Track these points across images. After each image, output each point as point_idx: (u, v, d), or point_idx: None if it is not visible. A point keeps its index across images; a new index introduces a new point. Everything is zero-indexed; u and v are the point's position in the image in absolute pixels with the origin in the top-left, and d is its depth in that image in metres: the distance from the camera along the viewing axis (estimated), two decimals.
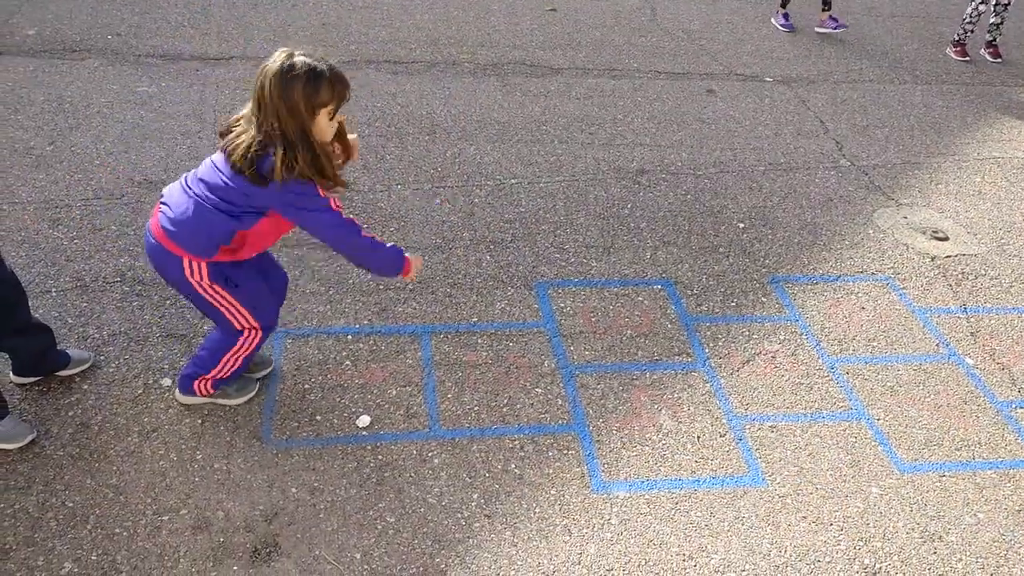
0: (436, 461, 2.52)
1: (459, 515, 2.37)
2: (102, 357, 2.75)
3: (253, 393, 2.67)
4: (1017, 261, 3.72)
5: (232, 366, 2.51)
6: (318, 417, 2.64)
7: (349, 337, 2.96)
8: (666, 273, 3.44)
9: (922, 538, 2.44)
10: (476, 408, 2.72)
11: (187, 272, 2.23)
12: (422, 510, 2.37)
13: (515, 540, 2.32)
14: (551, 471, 2.53)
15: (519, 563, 2.26)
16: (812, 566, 2.33)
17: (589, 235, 3.64)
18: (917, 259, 3.69)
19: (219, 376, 2.53)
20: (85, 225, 3.36)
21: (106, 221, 3.40)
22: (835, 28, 5.91)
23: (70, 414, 2.55)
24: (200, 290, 2.27)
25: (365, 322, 3.04)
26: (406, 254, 2.43)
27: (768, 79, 5.26)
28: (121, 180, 3.68)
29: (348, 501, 2.38)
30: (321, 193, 2.14)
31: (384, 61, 5.09)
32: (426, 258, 3.39)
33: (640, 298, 3.30)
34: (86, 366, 2.69)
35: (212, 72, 4.69)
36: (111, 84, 4.46)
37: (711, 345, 3.09)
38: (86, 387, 2.64)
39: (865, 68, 5.57)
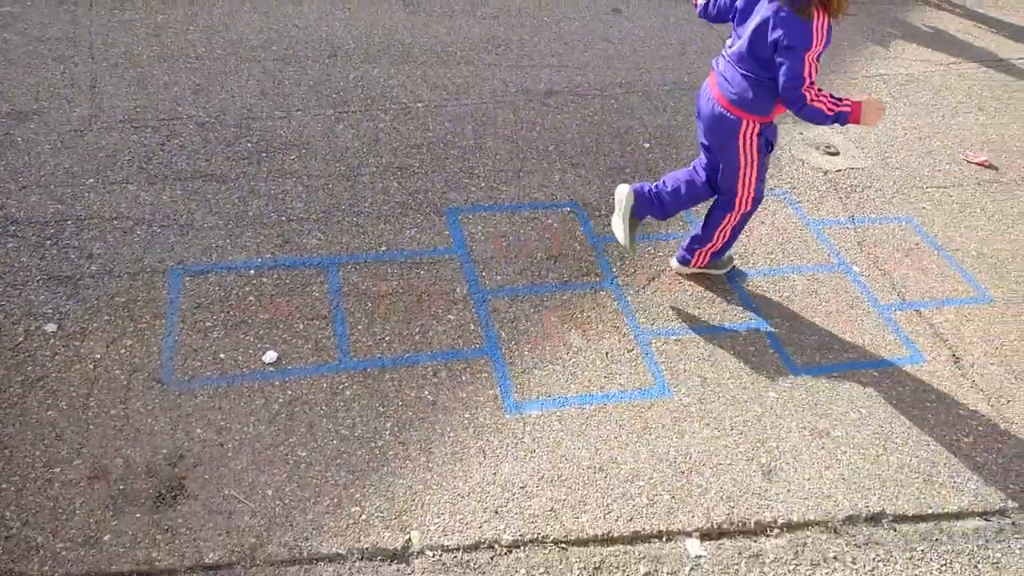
0: (348, 393, 2.51)
1: (372, 444, 2.38)
2: None
3: (732, 265, 3.19)
4: (899, 173, 3.92)
5: (723, 238, 2.96)
6: (222, 355, 2.56)
7: (251, 272, 2.86)
8: (575, 195, 3.46)
9: (812, 435, 2.61)
10: (387, 338, 2.70)
11: (742, 130, 2.64)
12: (335, 442, 2.37)
13: (430, 465, 2.35)
14: (464, 395, 2.56)
15: (434, 486, 2.30)
16: (714, 469, 2.47)
17: (498, 159, 3.59)
18: (811, 174, 3.83)
19: (714, 248, 3.00)
20: None
21: None
22: None
23: None
24: (743, 149, 2.67)
25: (268, 255, 2.94)
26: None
27: None
28: None
29: (258, 438, 2.34)
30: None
31: None
32: (330, 187, 3.29)
33: (550, 220, 3.31)
34: None
35: None
36: None
37: (618, 264, 3.15)
38: None
39: None
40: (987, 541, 2.40)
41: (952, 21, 5.63)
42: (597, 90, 4.17)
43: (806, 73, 2.45)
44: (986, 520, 2.45)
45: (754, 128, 2.64)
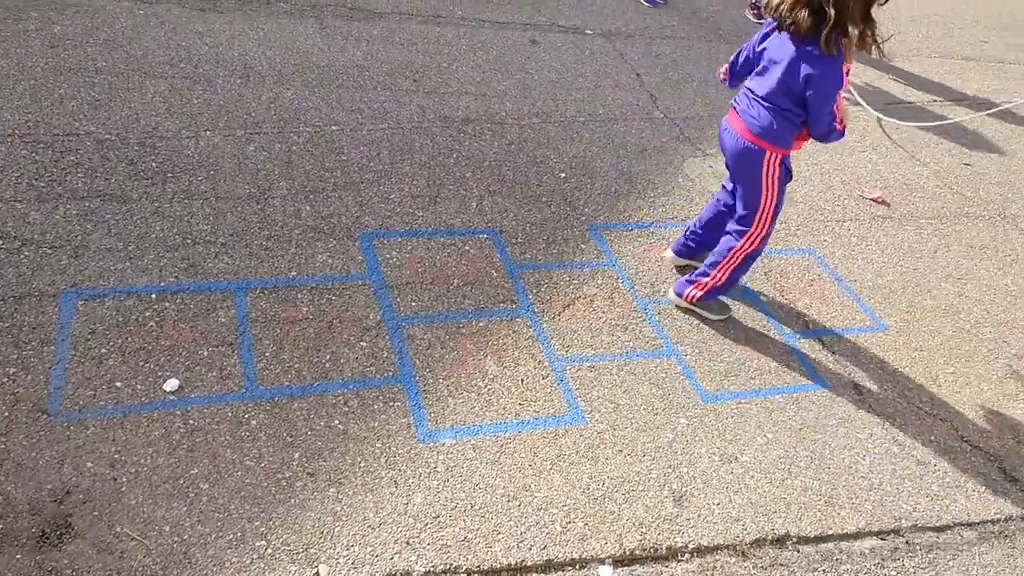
0: (254, 423, 2.41)
1: (279, 476, 2.29)
2: None
3: (728, 316, 3.23)
4: (802, 207, 4.12)
5: (725, 274, 3.05)
6: (118, 383, 2.42)
7: (153, 296, 2.73)
8: (492, 222, 3.47)
9: (722, 460, 2.68)
10: (297, 365, 2.62)
11: (766, 160, 2.79)
12: (239, 474, 2.26)
13: (340, 496, 2.28)
14: (376, 424, 2.50)
15: (344, 518, 2.23)
16: (627, 495, 2.49)
17: (415, 184, 3.57)
18: None
19: (714, 284, 3.09)
20: None
21: None
22: (647, 2, 6.01)
23: None
24: (766, 179, 2.82)
25: (171, 279, 2.80)
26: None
27: (589, 32, 5.38)
28: None
29: (155, 471, 2.21)
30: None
31: None
32: (239, 209, 3.18)
33: (466, 247, 3.30)
34: None
35: None
36: None
37: (534, 291, 3.17)
38: None
39: (676, 25, 5.85)
40: (883, 560, 2.51)
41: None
42: (514, 119, 4.23)
43: (836, 109, 2.66)
44: (881, 539, 2.57)
45: (776, 158, 2.80)
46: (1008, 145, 5.22)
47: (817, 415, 2.94)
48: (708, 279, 3.11)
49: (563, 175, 3.89)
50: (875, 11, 2.52)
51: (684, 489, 2.56)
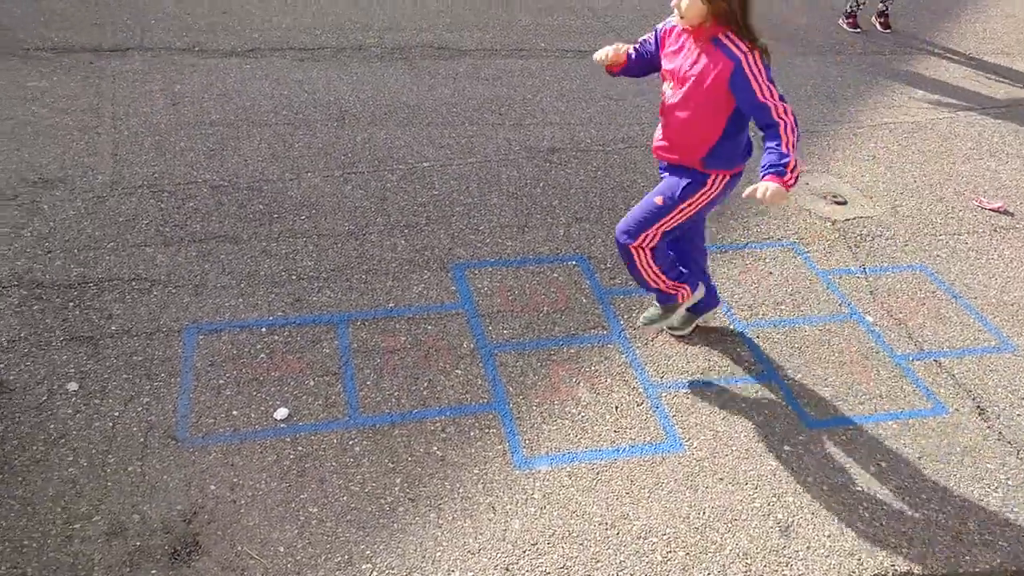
0: (357, 449, 2.51)
1: (382, 501, 2.37)
2: (1, 365, 2.62)
3: (691, 329, 3.09)
4: (910, 221, 3.94)
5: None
6: (234, 412, 2.58)
7: (263, 329, 2.90)
8: (580, 249, 3.50)
9: (831, 489, 2.57)
10: (396, 393, 2.71)
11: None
12: (345, 498, 2.36)
13: (440, 521, 2.34)
14: (473, 450, 2.55)
15: (445, 543, 2.28)
16: (729, 525, 2.43)
17: (503, 215, 3.66)
18: (819, 223, 3.86)
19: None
20: None
21: None
22: None
23: None
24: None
25: (279, 314, 2.98)
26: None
27: None
28: (13, 180, 3.49)
29: (269, 494, 2.34)
30: None
31: (289, 48, 4.95)
32: (339, 245, 3.35)
33: (555, 275, 3.34)
34: None
35: (108, 64, 4.48)
36: None
37: (625, 317, 3.16)
38: None
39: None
40: None
41: (956, 69, 5.73)
42: (600, 146, 4.26)
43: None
44: None
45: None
46: None
47: (938, 443, 2.76)
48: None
49: None
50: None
51: (791, 519, 2.47)
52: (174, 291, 3.02)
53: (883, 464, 2.68)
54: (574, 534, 2.34)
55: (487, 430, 2.63)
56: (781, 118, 2.43)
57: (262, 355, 2.80)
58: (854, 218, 3.93)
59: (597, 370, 2.91)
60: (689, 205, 2.67)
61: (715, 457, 2.63)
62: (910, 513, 2.52)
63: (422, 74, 4.78)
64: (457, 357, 2.89)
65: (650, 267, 2.76)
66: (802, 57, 5.62)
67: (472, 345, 2.95)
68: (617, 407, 2.77)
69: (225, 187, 3.62)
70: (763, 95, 2.41)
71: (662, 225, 2.68)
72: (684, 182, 2.65)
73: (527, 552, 2.28)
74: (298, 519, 2.29)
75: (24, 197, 3.39)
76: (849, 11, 6.13)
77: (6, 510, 2.22)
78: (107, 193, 3.49)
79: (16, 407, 2.50)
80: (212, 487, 2.34)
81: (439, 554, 2.25)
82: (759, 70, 2.42)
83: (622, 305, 3.21)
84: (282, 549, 2.21)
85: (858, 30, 6.14)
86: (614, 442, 2.64)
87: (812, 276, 3.51)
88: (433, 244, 3.43)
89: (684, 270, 2.92)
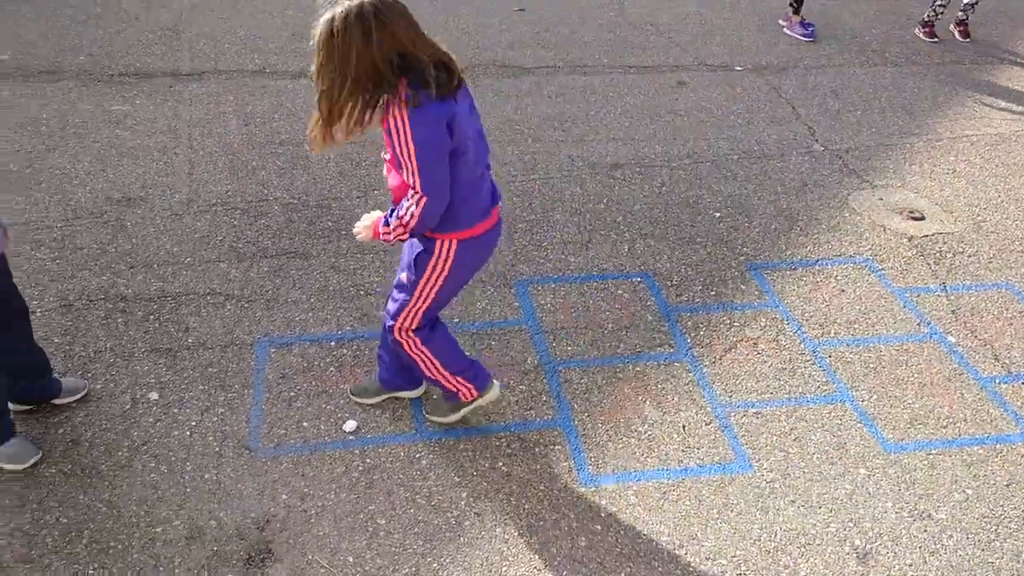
0: (424, 462, 2.53)
1: (449, 514, 2.38)
2: (89, 375, 2.75)
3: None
4: (994, 237, 3.77)
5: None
6: (305, 424, 2.64)
7: (332, 343, 2.96)
8: (644, 265, 3.46)
9: (912, 516, 2.46)
10: None
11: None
12: (412, 511, 2.38)
13: (506, 537, 2.33)
14: (539, 467, 2.54)
15: (511, 559, 2.27)
16: (803, 549, 2.35)
17: (567, 231, 3.65)
18: (895, 240, 3.73)
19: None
20: (66, 245, 3.35)
21: (87, 240, 3.39)
22: (803, 36, 5.78)
23: (60, 431, 2.55)
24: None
25: (348, 328, 3.04)
26: None
27: (739, 68, 5.29)
28: (100, 199, 3.67)
29: (338, 505, 2.38)
30: None
31: None
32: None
33: (620, 291, 3.31)
34: (80, 395, 2.66)
35: (185, 88, 4.68)
36: (85, 104, 4.43)
37: (693, 334, 3.11)
38: (75, 404, 2.64)
39: (834, 53, 5.62)
40: None
41: None
42: (664, 161, 4.22)
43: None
44: None
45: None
46: None
47: None
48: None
49: (718, 215, 3.82)
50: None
51: (869, 546, 2.37)
52: (247, 305, 3.11)
53: (969, 491, 2.55)
54: (641, 554, 2.31)
55: (552, 446, 2.61)
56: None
57: (331, 368, 2.85)
58: (933, 234, 3.79)
59: (664, 388, 2.86)
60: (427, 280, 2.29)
61: (786, 479, 2.56)
62: (998, 543, 2.40)
63: (485, 92, 4.83)
64: (521, 373, 2.89)
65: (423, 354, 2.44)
66: (877, 68, 5.46)
67: (536, 361, 2.94)
68: (684, 426, 2.72)
69: (295, 204, 3.73)
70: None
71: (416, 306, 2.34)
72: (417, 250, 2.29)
73: (594, 571, 2.25)
74: (367, 530, 2.32)
75: (109, 215, 3.56)
76: (927, 20, 5.95)
77: (94, 513, 2.32)
78: (184, 211, 3.64)
79: (103, 414, 2.62)
80: (284, 496, 2.39)
81: (505, 569, 2.24)
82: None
83: (689, 322, 3.16)
84: (351, 559, 2.24)
85: (935, 40, 5.94)
86: (681, 461, 2.59)
87: (887, 294, 3.39)
88: (496, 260, 3.44)
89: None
